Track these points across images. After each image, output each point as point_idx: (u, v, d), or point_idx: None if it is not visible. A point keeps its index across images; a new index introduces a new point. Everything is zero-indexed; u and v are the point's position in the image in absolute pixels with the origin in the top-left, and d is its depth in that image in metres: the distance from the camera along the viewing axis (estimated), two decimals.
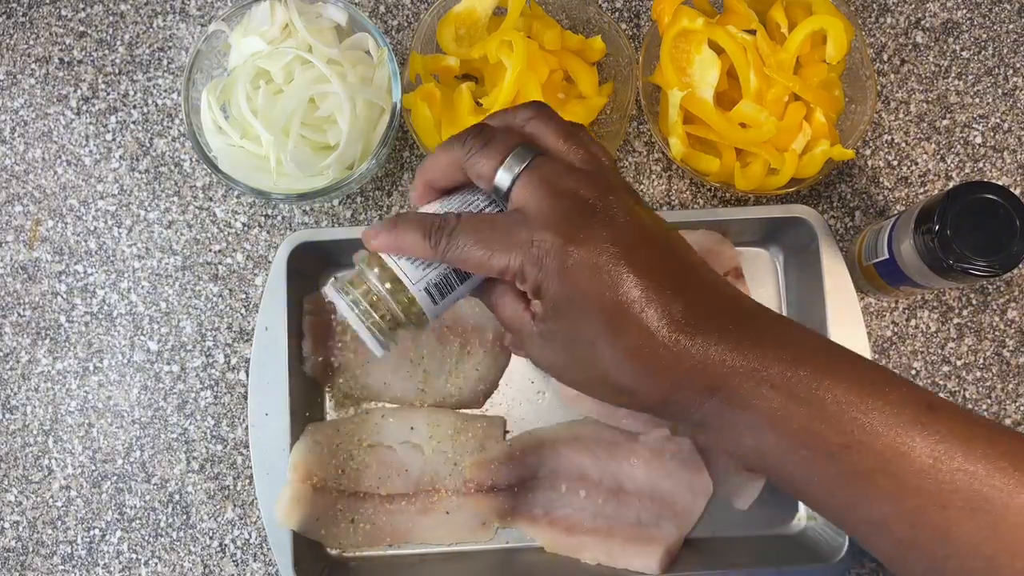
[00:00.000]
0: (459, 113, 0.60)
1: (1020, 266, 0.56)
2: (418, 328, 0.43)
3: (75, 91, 0.68)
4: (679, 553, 0.58)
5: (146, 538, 0.63)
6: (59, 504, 0.63)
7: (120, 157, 0.67)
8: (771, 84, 0.60)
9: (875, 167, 0.66)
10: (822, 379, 0.38)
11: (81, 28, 0.68)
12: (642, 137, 0.67)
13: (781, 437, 0.39)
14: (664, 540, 0.58)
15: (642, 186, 0.66)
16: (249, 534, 0.63)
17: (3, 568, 0.63)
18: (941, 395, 0.63)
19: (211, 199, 0.66)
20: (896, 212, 0.63)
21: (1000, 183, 0.57)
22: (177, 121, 0.67)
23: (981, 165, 0.66)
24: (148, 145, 0.67)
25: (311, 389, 0.62)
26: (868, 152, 0.67)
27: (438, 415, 0.61)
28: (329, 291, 0.43)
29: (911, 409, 0.38)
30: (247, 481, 0.63)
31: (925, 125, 0.67)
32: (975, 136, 0.67)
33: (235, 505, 0.63)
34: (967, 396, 0.64)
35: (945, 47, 0.68)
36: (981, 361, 0.64)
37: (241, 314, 0.65)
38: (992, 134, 0.67)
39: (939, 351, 0.64)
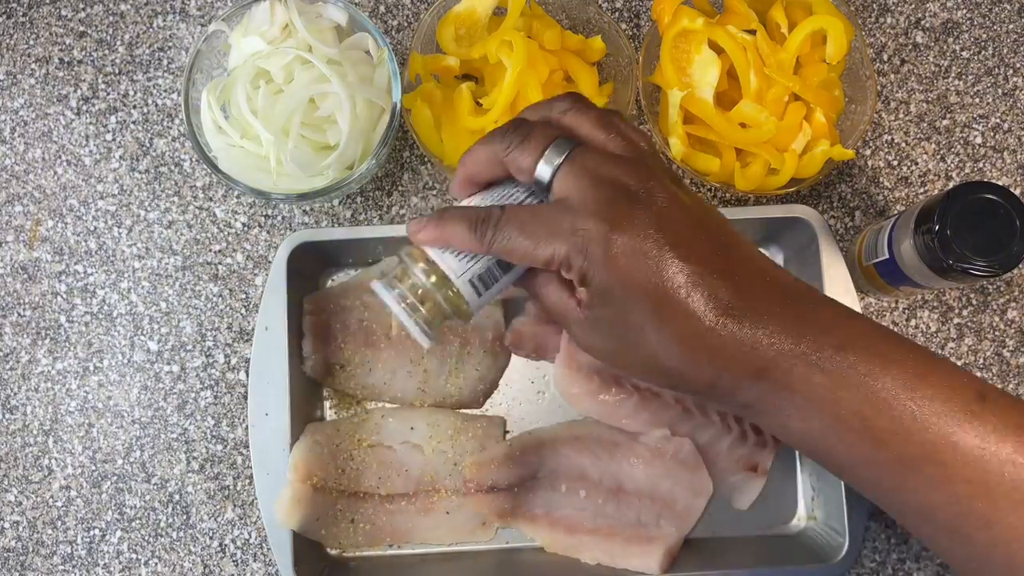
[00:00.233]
0: (459, 113, 0.60)
1: (1020, 266, 0.56)
2: (463, 320, 0.44)
3: (75, 91, 0.68)
4: (679, 553, 0.58)
5: (146, 538, 0.63)
6: (59, 504, 0.63)
7: (120, 157, 0.67)
8: (771, 84, 0.60)
9: (875, 167, 0.66)
10: (871, 364, 0.38)
11: (81, 28, 0.68)
12: None
13: (829, 422, 0.39)
14: (664, 540, 0.58)
15: None
16: (249, 534, 0.63)
17: (3, 568, 0.63)
18: None
19: (211, 199, 0.66)
20: (896, 212, 0.63)
21: (1000, 183, 0.57)
22: (177, 121, 0.67)
23: (981, 165, 0.66)
24: (148, 145, 0.67)
25: (311, 389, 0.62)
26: (868, 152, 0.67)
27: (438, 415, 0.61)
28: (376, 287, 0.43)
29: (961, 397, 0.38)
30: (247, 481, 0.63)
31: (925, 125, 0.67)
32: (975, 136, 0.67)
33: (235, 505, 0.63)
34: None
35: (945, 47, 0.68)
36: (981, 361, 0.64)
37: (241, 314, 0.65)
38: (992, 134, 0.67)
39: (939, 351, 0.64)
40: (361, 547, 0.60)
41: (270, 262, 0.63)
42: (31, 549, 0.63)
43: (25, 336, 0.65)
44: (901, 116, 0.67)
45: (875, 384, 0.38)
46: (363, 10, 0.68)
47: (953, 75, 0.68)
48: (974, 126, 0.67)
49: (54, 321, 0.65)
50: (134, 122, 0.67)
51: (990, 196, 0.51)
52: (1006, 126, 0.67)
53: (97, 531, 0.63)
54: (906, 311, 0.65)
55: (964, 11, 0.68)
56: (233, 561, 0.62)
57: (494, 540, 0.61)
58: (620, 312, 0.39)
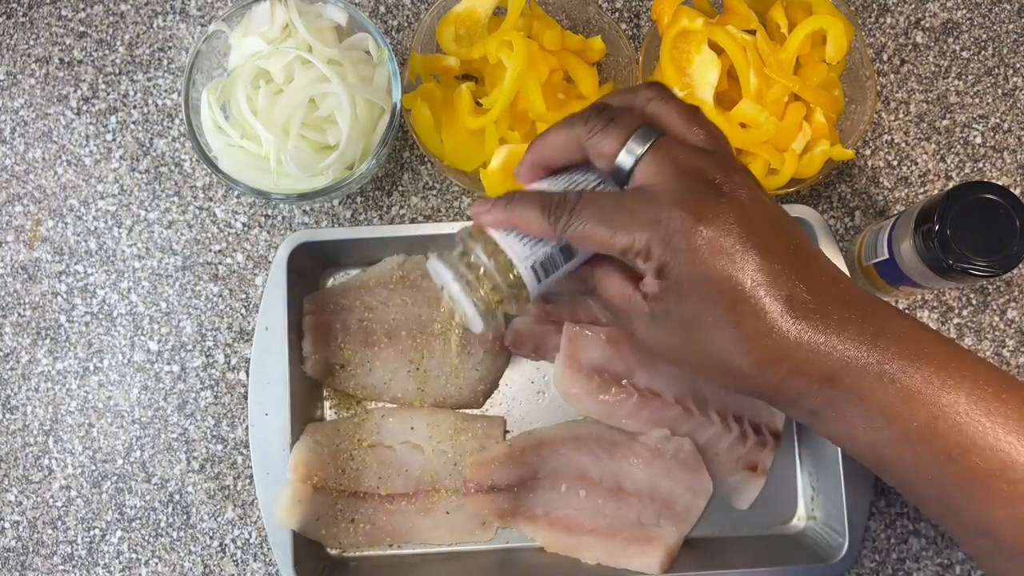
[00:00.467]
0: (459, 113, 0.60)
1: (1020, 266, 0.56)
2: (519, 306, 0.43)
3: (75, 91, 0.68)
4: (679, 553, 0.58)
5: (146, 538, 0.63)
6: (59, 504, 0.63)
7: (120, 157, 0.67)
8: (771, 84, 0.60)
9: (875, 167, 0.66)
10: (946, 379, 0.38)
11: (81, 28, 0.68)
12: None
13: (898, 433, 0.39)
14: (664, 540, 0.58)
15: None
16: (249, 534, 0.63)
17: (3, 568, 0.63)
18: None
19: (211, 199, 0.66)
20: (896, 212, 0.63)
21: (1000, 183, 0.57)
22: (177, 121, 0.67)
23: (981, 165, 0.66)
24: (148, 145, 0.67)
25: (311, 389, 0.62)
26: (868, 152, 0.67)
27: (438, 415, 0.61)
28: (433, 263, 0.42)
29: None
30: (247, 481, 0.63)
31: (925, 125, 0.67)
32: (975, 136, 0.67)
33: (235, 505, 0.63)
34: None
35: (945, 47, 0.68)
36: None
37: (241, 314, 0.65)
38: (992, 134, 0.67)
39: None
40: (361, 547, 0.60)
41: (270, 262, 0.63)
42: (31, 549, 0.63)
43: (25, 336, 0.65)
44: (901, 116, 0.67)
45: (948, 398, 0.38)
46: (363, 10, 0.68)
47: (953, 75, 0.68)
48: (974, 126, 0.67)
49: (54, 321, 0.65)
50: (134, 122, 0.67)
51: (990, 196, 0.51)
52: (1006, 126, 0.67)
53: (97, 531, 0.63)
54: (906, 311, 0.65)
55: (964, 11, 0.68)
56: (233, 561, 0.62)
57: (494, 540, 0.61)
58: (694, 307, 0.39)
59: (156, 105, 0.68)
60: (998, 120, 0.67)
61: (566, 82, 0.63)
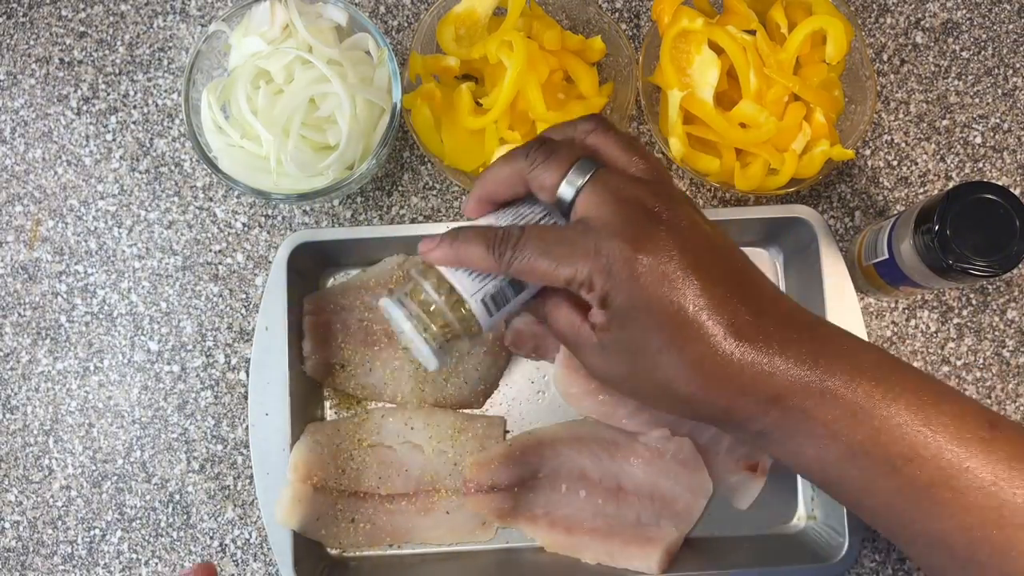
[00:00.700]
0: (459, 113, 0.60)
1: (1020, 266, 0.56)
2: (472, 340, 0.44)
3: (75, 91, 0.68)
4: (679, 553, 0.58)
5: (146, 538, 0.63)
6: (59, 504, 0.63)
7: (120, 157, 0.67)
8: (771, 84, 0.60)
9: (875, 167, 0.66)
10: (885, 392, 0.39)
11: (81, 28, 0.68)
12: (642, 137, 0.67)
13: (844, 449, 0.39)
14: (664, 540, 0.58)
15: None
16: (249, 534, 0.63)
17: (3, 568, 0.63)
18: None
19: (211, 199, 0.66)
20: (896, 212, 0.63)
21: (1000, 183, 0.58)
22: (177, 121, 0.67)
23: (981, 165, 0.66)
24: (148, 145, 0.67)
25: (311, 389, 0.62)
26: (868, 152, 0.67)
27: (438, 415, 0.61)
28: (385, 303, 0.43)
29: (972, 425, 0.39)
30: (247, 481, 0.63)
31: (925, 125, 0.67)
32: (975, 136, 0.67)
33: (235, 505, 0.63)
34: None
35: (945, 47, 0.68)
36: (981, 361, 0.64)
37: (241, 314, 0.65)
38: (992, 134, 0.67)
39: (939, 351, 0.64)
40: (361, 547, 0.60)
41: (270, 262, 0.63)
42: (31, 549, 0.63)
43: (25, 336, 0.65)
44: (901, 116, 0.67)
45: (889, 411, 0.39)
46: (363, 10, 0.68)
47: (953, 75, 0.68)
48: (974, 126, 0.67)
49: (54, 321, 0.65)
50: (134, 122, 0.67)
51: (990, 196, 0.51)
52: (1006, 126, 0.67)
53: (97, 531, 0.63)
54: (906, 311, 0.65)
55: (964, 11, 0.68)
56: (233, 561, 0.63)
57: (494, 540, 0.61)
58: (639, 335, 0.39)
59: (156, 105, 0.68)
60: (998, 120, 0.67)
61: (566, 82, 0.63)
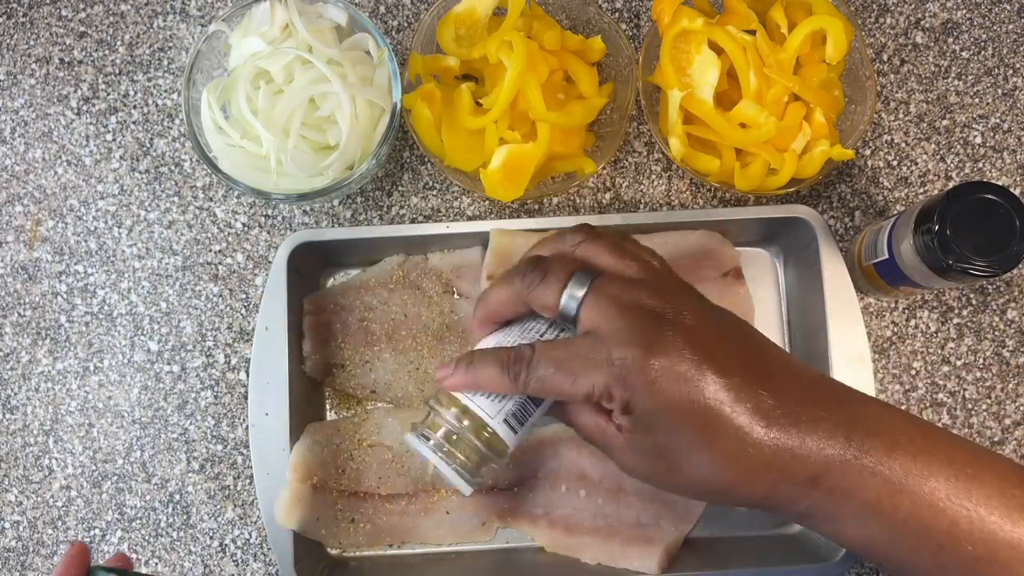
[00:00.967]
0: (459, 113, 0.60)
1: (1020, 266, 0.56)
2: (499, 460, 0.44)
3: (75, 91, 0.68)
4: (679, 553, 0.58)
5: (146, 538, 0.63)
6: (59, 504, 0.63)
7: (120, 157, 0.67)
8: (771, 84, 0.60)
9: (875, 167, 0.66)
10: (923, 467, 0.39)
11: (81, 28, 0.68)
12: (642, 137, 0.67)
13: (887, 527, 0.39)
14: (664, 540, 0.58)
15: (642, 186, 0.66)
16: (249, 534, 0.63)
17: (3, 568, 0.63)
18: (940, 395, 0.63)
19: (211, 199, 0.66)
20: (896, 212, 0.63)
21: (1000, 183, 0.58)
22: (177, 121, 0.67)
23: (981, 165, 0.66)
24: (148, 145, 0.67)
25: (311, 389, 0.62)
26: (868, 152, 0.67)
27: None
28: (410, 439, 0.43)
29: (1014, 492, 0.39)
30: (247, 481, 0.63)
31: (925, 125, 0.67)
32: (975, 136, 0.67)
33: (235, 505, 0.63)
34: (967, 396, 0.64)
35: (945, 47, 0.68)
36: (981, 361, 0.64)
37: (241, 314, 0.65)
38: (992, 134, 0.67)
39: (939, 351, 0.64)
40: (361, 547, 0.60)
41: (270, 262, 0.63)
42: (31, 549, 0.63)
43: (25, 336, 0.65)
44: (901, 116, 0.67)
45: (928, 486, 0.38)
46: (363, 10, 0.68)
47: (953, 75, 0.68)
48: (974, 126, 0.67)
49: (54, 321, 0.65)
50: (134, 122, 0.67)
51: (990, 196, 0.51)
52: (1006, 126, 0.67)
53: (97, 531, 0.63)
54: (906, 311, 0.65)
55: (964, 11, 0.68)
56: (233, 561, 0.63)
57: (494, 540, 0.61)
58: (666, 437, 0.39)
59: (156, 105, 0.68)
60: (998, 120, 0.67)
61: (566, 82, 0.63)
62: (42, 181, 0.67)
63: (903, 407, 0.63)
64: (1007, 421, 0.63)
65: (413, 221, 0.66)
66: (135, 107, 0.68)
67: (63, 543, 0.63)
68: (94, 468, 0.64)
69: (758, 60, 0.60)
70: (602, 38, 0.63)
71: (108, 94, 0.68)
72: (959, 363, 0.64)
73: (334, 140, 0.59)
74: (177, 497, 0.63)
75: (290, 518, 0.56)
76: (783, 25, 0.61)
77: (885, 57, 0.68)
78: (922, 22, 0.68)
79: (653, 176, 0.66)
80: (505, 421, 0.42)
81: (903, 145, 0.67)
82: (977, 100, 0.67)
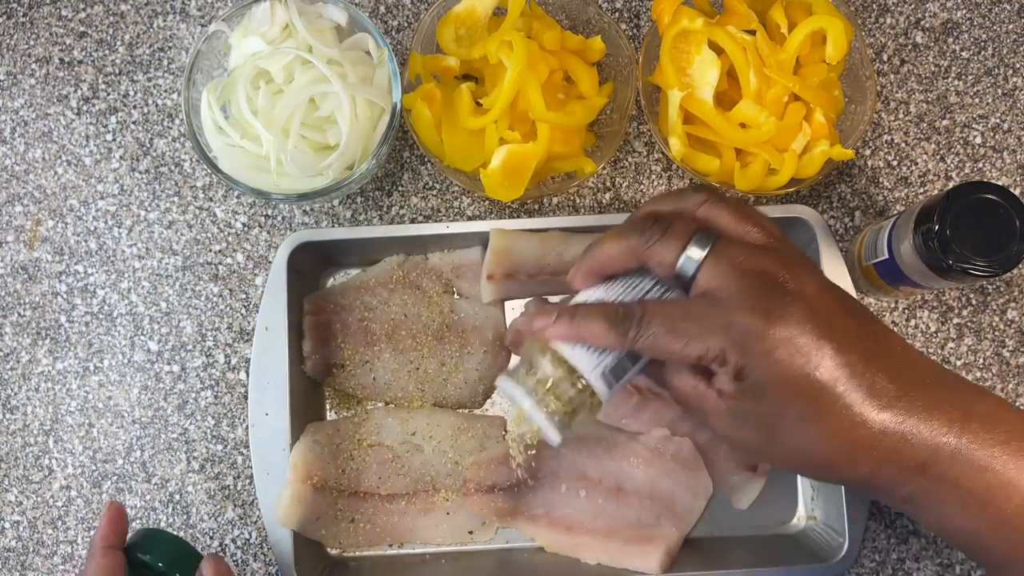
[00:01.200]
0: (459, 113, 0.60)
1: (1020, 266, 0.56)
2: (592, 413, 0.43)
3: (75, 91, 0.68)
4: (679, 553, 0.58)
5: None
6: (59, 504, 0.63)
7: (120, 157, 0.67)
8: (771, 84, 0.60)
9: (875, 167, 0.66)
10: None
11: (81, 28, 0.68)
12: (642, 137, 0.67)
13: (993, 519, 0.39)
14: (664, 540, 0.58)
15: (642, 186, 0.66)
16: (249, 534, 0.63)
17: (3, 568, 0.63)
18: None
19: (211, 199, 0.66)
20: (896, 212, 0.63)
21: (1000, 183, 0.58)
22: (177, 121, 0.67)
23: (981, 165, 0.66)
24: (148, 145, 0.67)
25: (311, 389, 0.62)
26: (868, 152, 0.67)
27: (438, 415, 0.61)
28: (503, 382, 0.43)
29: None
30: (247, 481, 0.63)
31: (925, 125, 0.67)
32: (975, 136, 0.67)
33: (235, 505, 0.63)
34: None
35: (945, 47, 0.68)
36: (981, 361, 0.64)
37: (241, 314, 0.65)
38: (992, 134, 0.67)
39: (939, 351, 0.64)
40: (361, 547, 0.60)
41: (270, 262, 0.63)
42: (31, 549, 0.63)
43: (25, 336, 0.65)
44: (901, 116, 0.67)
45: None
46: (363, 10, 0.68)
47: (953, 75, 0.68)
48: (974, 126, 0.67)
49: (54, 321, 0.65)
50: (134, 122, 0.67)
51: (990, 196, 0.51)
52: (1006, 126, 0.67)
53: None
54: (906, 311, 0.65)
55: (964, 11, 0.68)
56: (233, 561, 0.62)
57: (494, 540, 0.61)
58: (775, 406, 0.39)
59: (156, 105, 0.68)
60: (998, 120, 0.67)
61: (566, 82, 0.63)
62: (42, 181, 0.67)
63: None
64: None
65: (413, 221, 0.66)
66: (135, 107, 0.68)
67: (63, 543, 0.63)
68: (94, 468, 0.64)
69: (758, 60, 0.60)
70: (602, 38, 0.63)
71: (108, 94, 0.68)
72: (959, 363, 0.64)
73: (334, 140, 0.59)
74: (177, 497, 0.63)
75: (290, 518, 0.56)
76: (783, 25, 0.61)
77: (885, 57, 0.68)
78: (922, 22, 0.68)
79: (653, 176, 0.66)
80: (602, 375, 0.42)
81: (903, 145, 0.67)
82: (977, 100, 0.67)
